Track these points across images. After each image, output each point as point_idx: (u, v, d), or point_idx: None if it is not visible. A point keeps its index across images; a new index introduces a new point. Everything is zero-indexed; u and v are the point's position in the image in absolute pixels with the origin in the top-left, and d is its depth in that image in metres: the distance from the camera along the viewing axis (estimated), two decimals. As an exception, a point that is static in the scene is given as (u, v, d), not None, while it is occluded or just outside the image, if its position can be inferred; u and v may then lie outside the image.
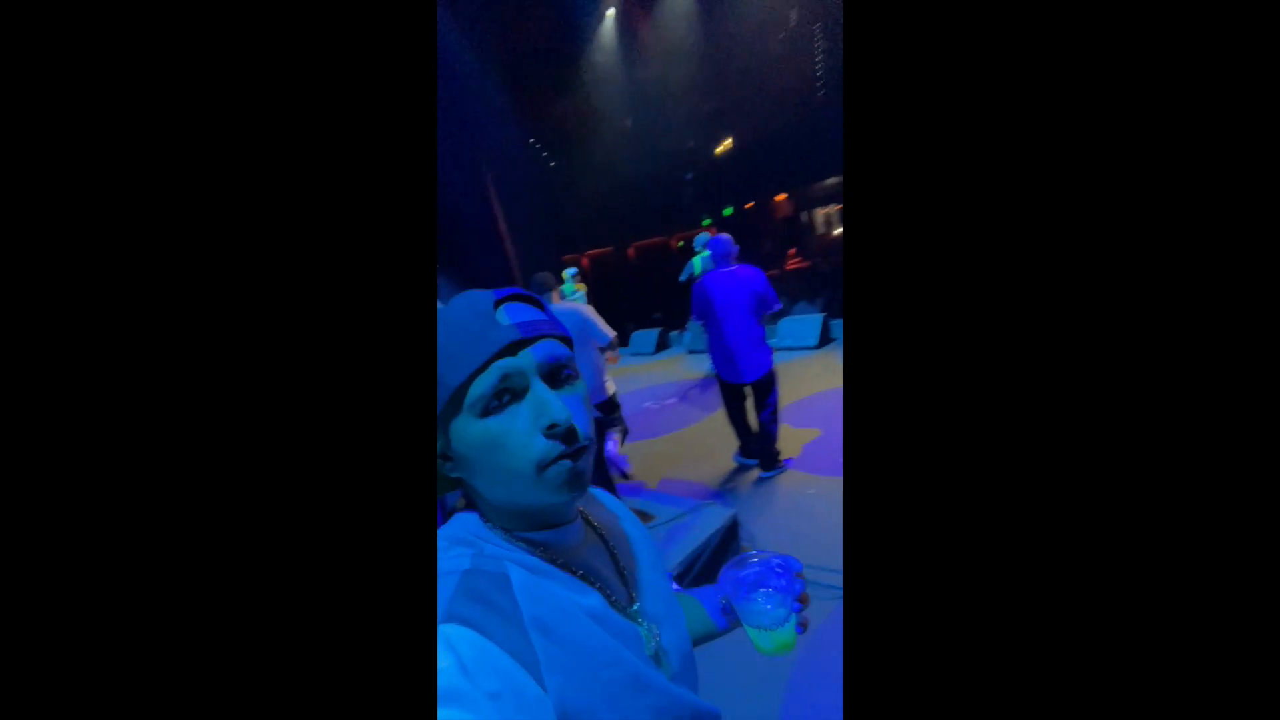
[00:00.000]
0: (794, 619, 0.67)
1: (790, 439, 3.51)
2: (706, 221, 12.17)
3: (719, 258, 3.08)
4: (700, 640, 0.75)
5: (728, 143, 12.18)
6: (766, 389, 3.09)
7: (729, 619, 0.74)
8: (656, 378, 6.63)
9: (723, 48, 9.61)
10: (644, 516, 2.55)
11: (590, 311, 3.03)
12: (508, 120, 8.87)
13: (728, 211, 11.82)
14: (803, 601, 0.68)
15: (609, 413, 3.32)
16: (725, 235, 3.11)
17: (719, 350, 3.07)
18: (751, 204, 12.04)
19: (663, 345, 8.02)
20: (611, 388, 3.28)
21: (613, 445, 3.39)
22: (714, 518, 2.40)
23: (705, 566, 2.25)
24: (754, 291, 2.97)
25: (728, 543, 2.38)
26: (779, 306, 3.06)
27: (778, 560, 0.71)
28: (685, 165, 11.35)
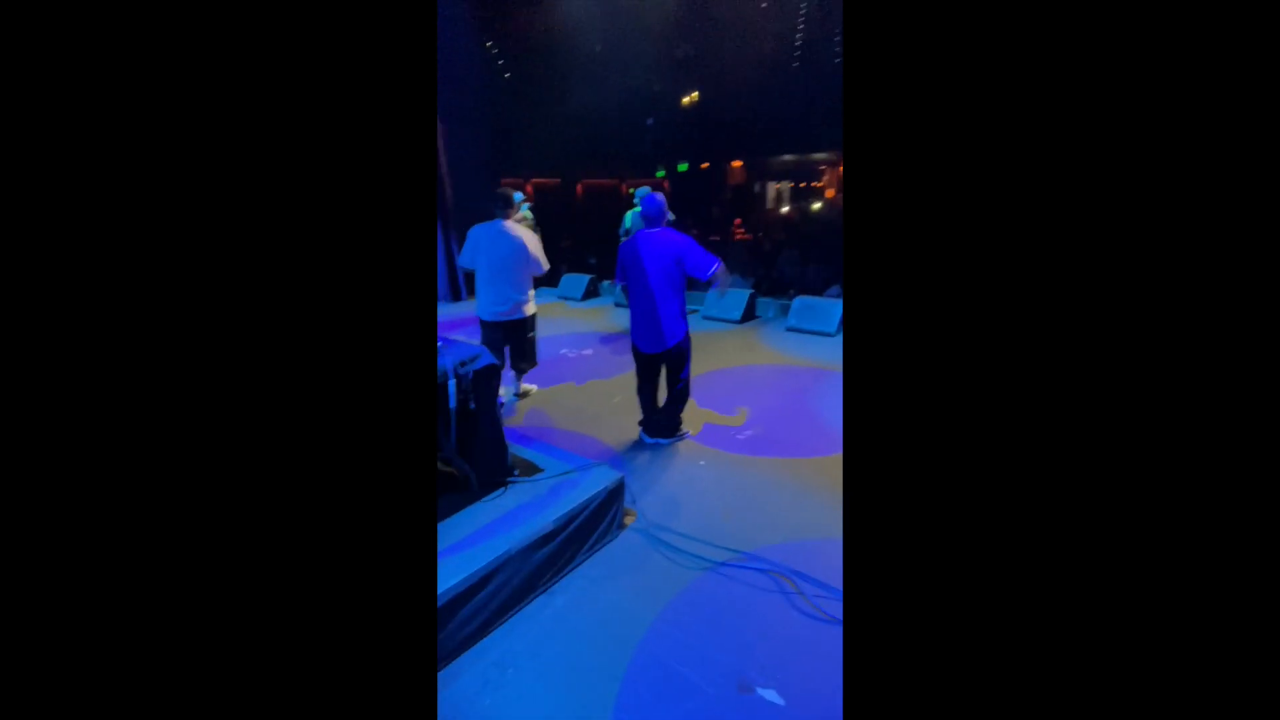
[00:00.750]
0: None
1: (694, 413, 3.59)
2: (660, 173, 11.90)
3: (649, 217, 3.00)
4: None
5: (694, 95, 11.80)
6: (680, 359, 3.11)
7: None
8: (579, 326, 6.54)
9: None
10: (531, 468, 2.53)
11: (534, 242, 3.58)
12: (462, 12, 8.04)
13: (682, 167, 11.60)
14: None
15: (524, 331, 3.74)
16: (659, 195, 3.02)
17: (638, 315, 3.03)
18: (707, 164, 11.86)
19: (592, 293, 7.88)
20: (531, 309, 3.71)
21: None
22: (601, 478, 2.43)
23: (582, 525, 2.29)
24: (678, 257, 2.91)
25: (610, 504, 2.42)
26: (708, 276, 2.90)
27: None
28: (648, 109, 10.92)
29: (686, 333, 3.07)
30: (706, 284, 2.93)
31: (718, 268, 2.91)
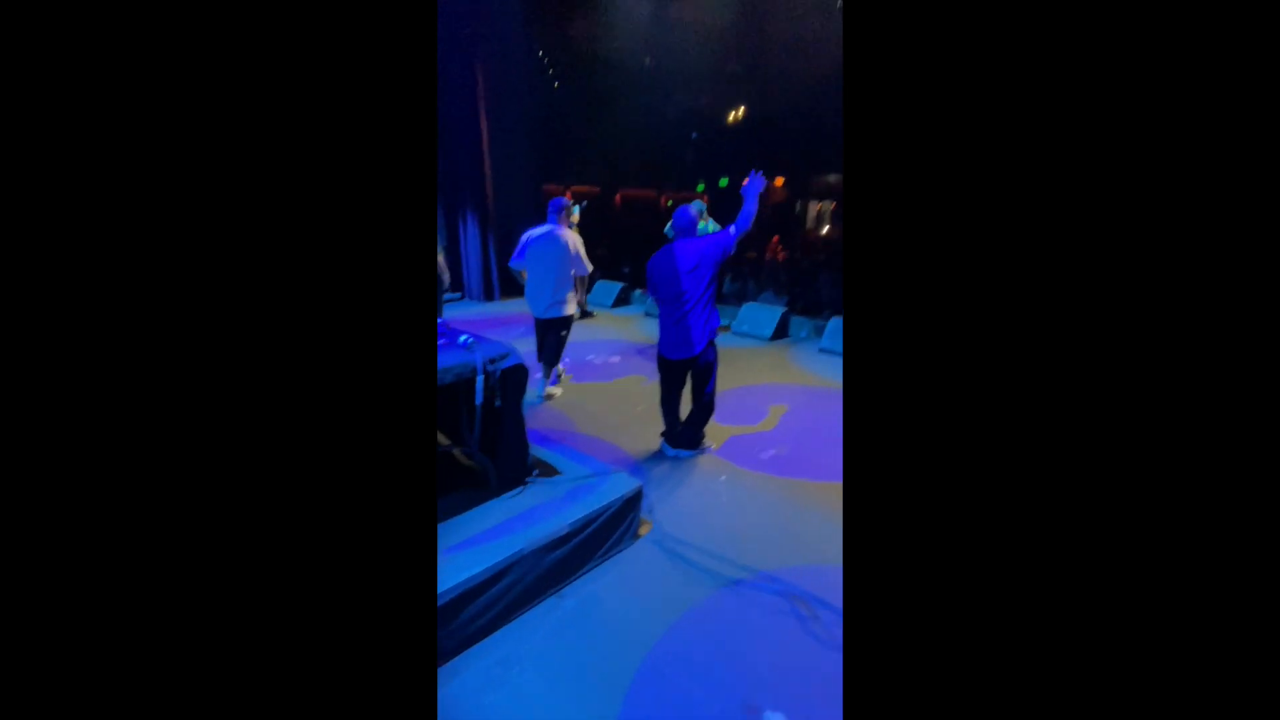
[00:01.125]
0: None
1: (717, 429, 3.54)
2: (700, 187, 11.91)
3: (680, 228, 3.00)
4: None
5: (741, 111, 11.81)
6: (707, 370, 3.08)
7: None
8: (608, 333, 6.56)
9: (762, 12, 9.16)
10: (550, 470, 2.53)
11: (579, 243, 3.94)
12: (517, 23, 8.25)
13: (723, 182, 11.59)
14: None
15: (557, 330, 4.00)
16: (689, 206, 3.02)
17: (667, 322, 3.01)
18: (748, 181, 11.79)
19: (622, 301, 7.91)
20: (570, 309, 3.98)
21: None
22: (619, 485, 2.41)
23: (598, 531, 2.27)
24: (712, 256, 2.89)
25: (626, 512, 2.40)
26: (737, 230, 2.89)
27: None
28: (693, 123, 10.98)
29: (713, 342, 3.04)
30: (743, 234, 2.88)
31: (742, 220, 2.89)
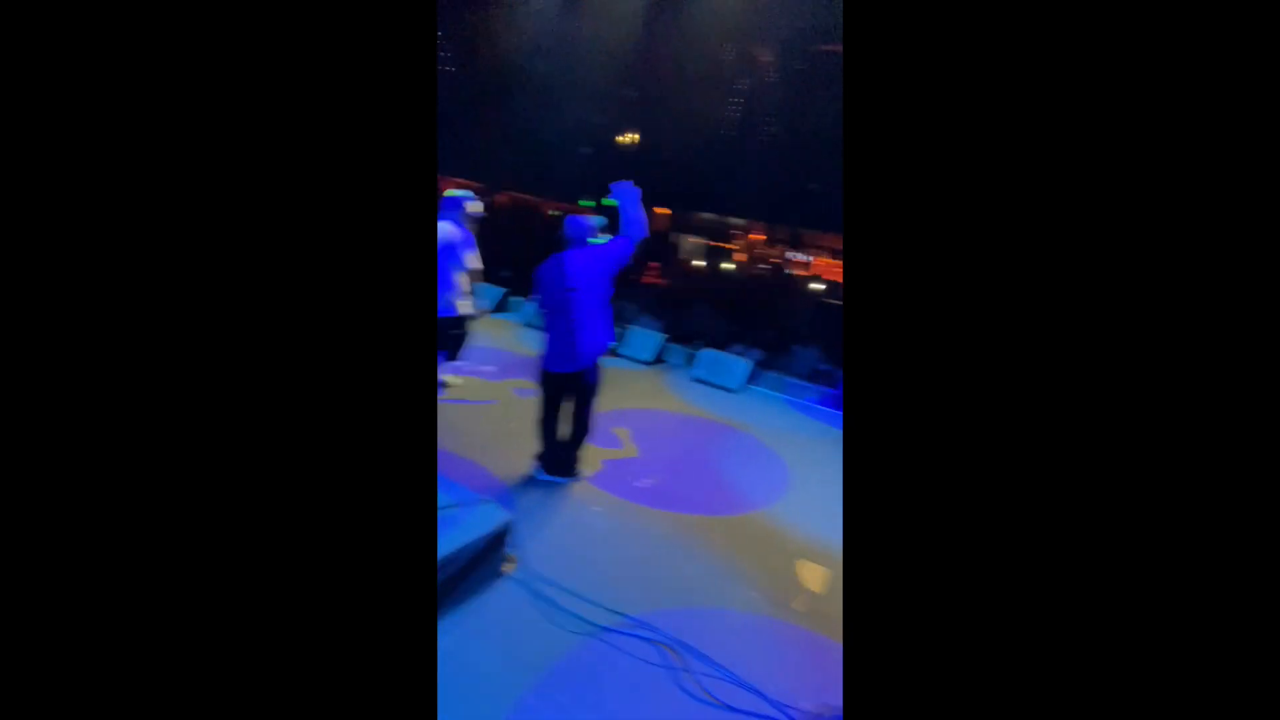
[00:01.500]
0: None
1: (590, 452, 3.38)
2: (586, 202, 11.86)
3: (571, 239, 2.84)
4: None
5: (634, 136, 12.04)
6: (591, 387, 2.91)
7: None
8: (484, 340, 6.13)
9: (666, 41, 9.44)
10: (407, 497, 2.18)
11: (457, 238, 3.63)
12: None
13: (608, 201, 11.65)
14: None
15: (453, 328, 3.82)
16: (587, 219, 2.87)
17: (554, 333, 2.80)
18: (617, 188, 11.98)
19: (502, 308, 7.49)
20: (463, 308, 3.79)
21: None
22: (486, 518, 2.14)
23: (457, 573, 1.98)
24: (612, 264, 2.77)
25: (492, 549, 2.14)
26: (633, 241, 2.80)
27: None
28: (586, 138, 10.93)
29: (600, 362, 2.89)
30: (638, 245, 2.80)
31: (634, 226, 2.80)
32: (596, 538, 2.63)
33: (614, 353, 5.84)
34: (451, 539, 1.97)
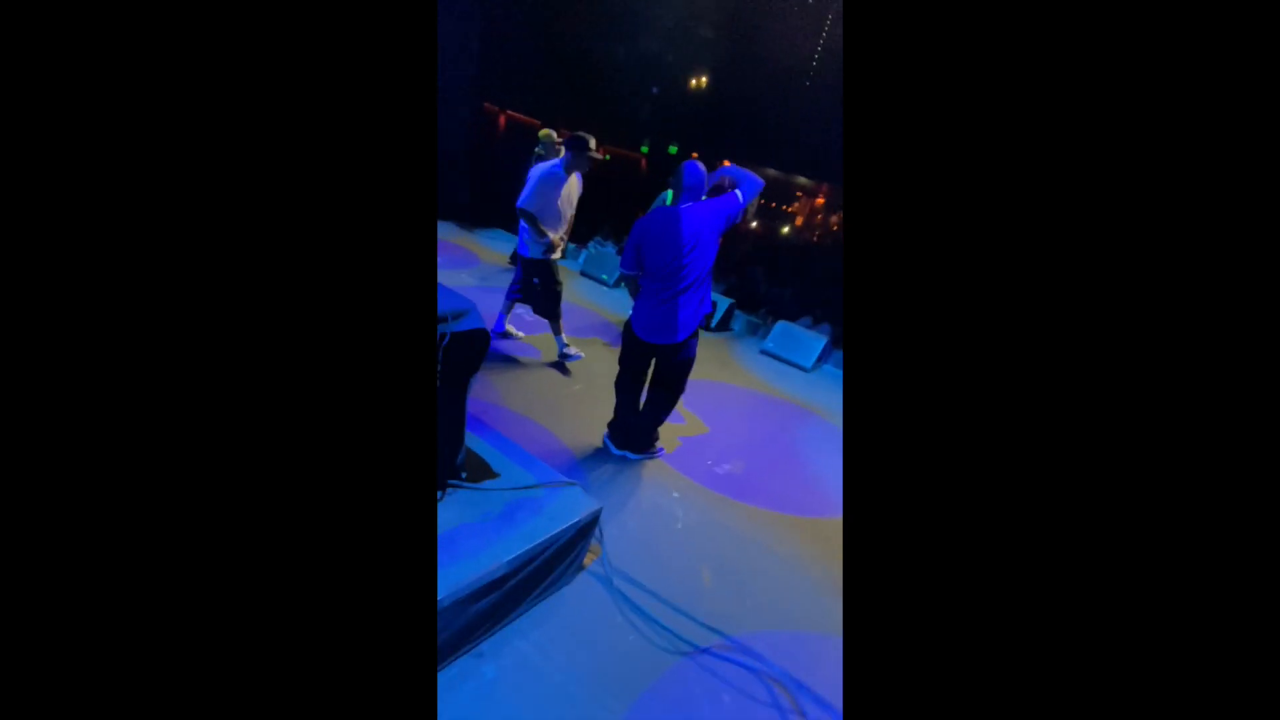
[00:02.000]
0: None
1: (663, 427, 3.06)
2: (644, 149, 11.21)
3: (691, 187, 2.38)
4: None
5: (703, 80, 11.29)
6: (685, 362, 2.55)
7: None
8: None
9: None
10: (482, 469, 1.89)
11: (534, 177, 3.30)
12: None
13: (673, 149, 10.99)
14: None
15: (529, 273, 3.52)
16: (699, 163, 2.42)
17: (652, 298, 2.42)
18: (696, 155, 11.35)
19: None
20: (542, 251, 3.42)
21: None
22: (573, 505, 1.84)
23: (539, 568, 1.69)
24: (722, 223, 2.35)
25: (577, 541, 1.85)
26: (742, 203, 2.40)
27: None
28: (656, 77, 10.21)
29: (699, 330, 2.51)
30: (749, 202, 2.41)
31: (750, 184, 2.40)
32: (680, 530, 2.33)
33: (707, 324, 5.38)
34: (532, 529, 1.67)
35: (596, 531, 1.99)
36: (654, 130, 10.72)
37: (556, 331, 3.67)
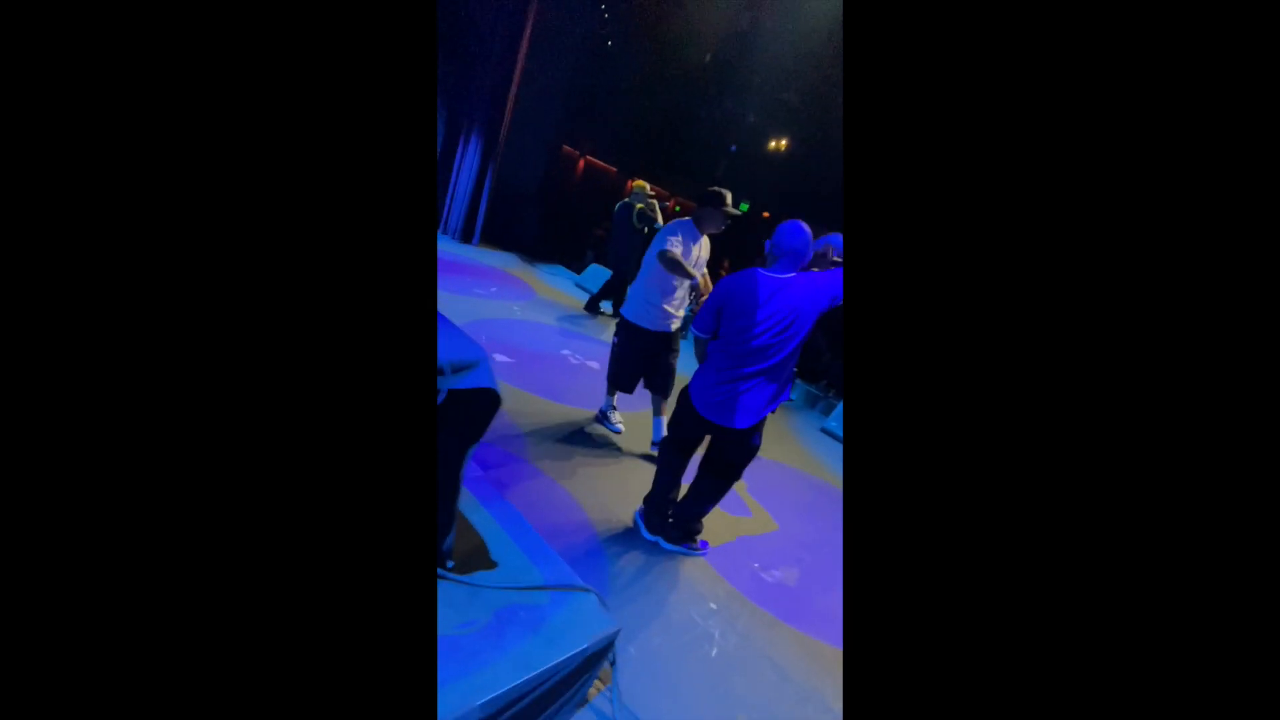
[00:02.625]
0: None
1: (725, 520, 2.61)
2: (717, 204, 11.12)
3: (793, 251, 1.97)
4: None
5: (783, 143, 11.21)
6: (752, 451, 2.13)
7: None
8: (592, 328, 5.54)
9: (830, 57, 8.52)
10: (479, 555, 1.50)
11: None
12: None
13: (744, 207, 10.83)
14: None
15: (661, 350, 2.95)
16: (803, 224, 2.05)
17: (722, 375, 2.02)
18: (767, 215, 11.15)
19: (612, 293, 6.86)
20: (660, 322, 2.87)
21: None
22: (583, 620, 1.43)
23: (528, 709, 1.27)
24: (825, 304, 1.91)
25: (582, 673, 1.42)
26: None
27: None
28: (735, 136, 10.17)
29: (765, 418, 2.09)
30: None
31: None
32: (712, 662, 1.85)
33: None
34: (535, 656, 1.26)
35: (610, 655, 1.56)
36: (727, 184, 10.64)
37: (658, 412, 3.07)
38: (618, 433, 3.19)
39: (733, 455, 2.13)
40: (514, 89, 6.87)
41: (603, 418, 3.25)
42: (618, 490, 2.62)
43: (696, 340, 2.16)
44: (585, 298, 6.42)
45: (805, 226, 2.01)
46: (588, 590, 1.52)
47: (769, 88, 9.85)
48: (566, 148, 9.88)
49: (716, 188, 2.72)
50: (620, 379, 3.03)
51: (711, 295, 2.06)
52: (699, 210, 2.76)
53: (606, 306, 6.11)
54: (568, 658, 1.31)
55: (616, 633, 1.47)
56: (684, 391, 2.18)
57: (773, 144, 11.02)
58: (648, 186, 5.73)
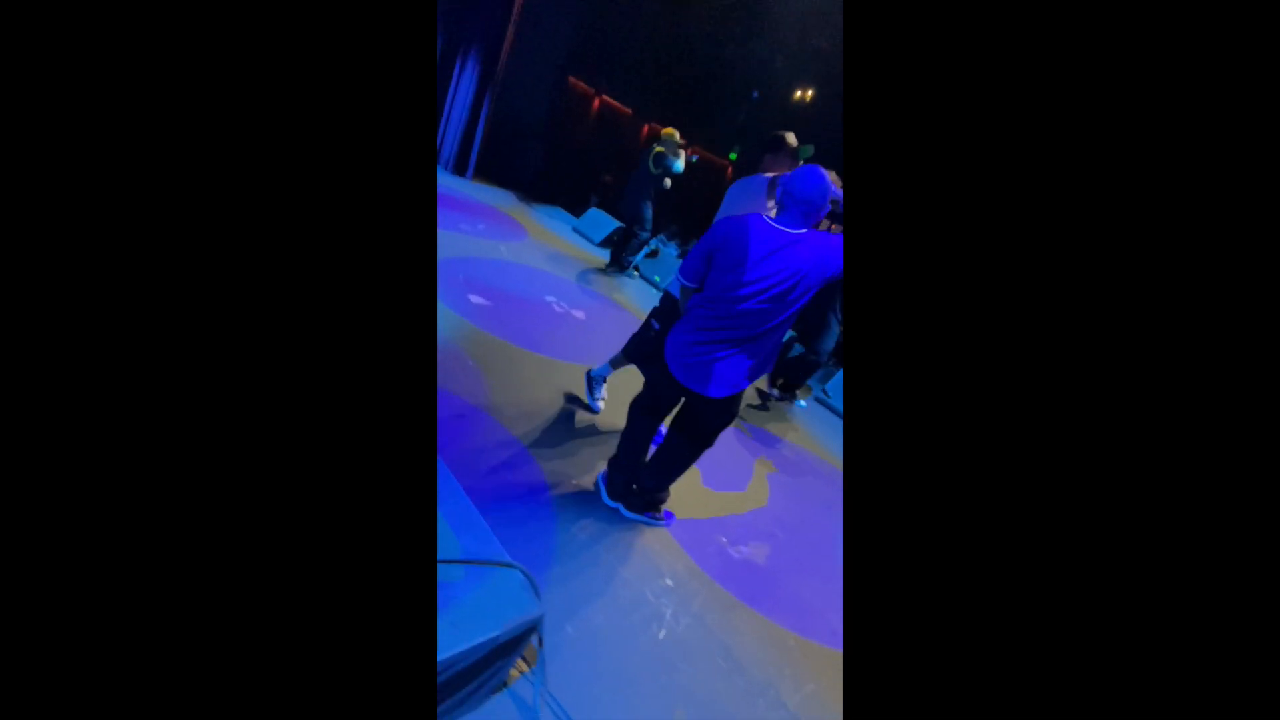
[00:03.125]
0: None
1: (698, 491, 2.43)
2: (733, 155, 10.55)
3: (806, 201, 1.66)
4: None
5: (809, 93, 10.55)
6: (724, 415, 1.92)
7: None
8: (589, 279, 5.27)
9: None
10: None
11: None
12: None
13: (733, 155, 10.19)
14: None
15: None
16: (821, 169, 1.74)
17: (703, 334, 1.78)
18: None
19: (609, 243, 6.55)
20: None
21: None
22: (500, 604, 1.25)
23: (447, 683, 1.11)
24: (836, 269, 1.65)
25: (503, 653, 1.26)
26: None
27: None
28: (760, 82, 9.54)
29: (744, 388, 1.87)
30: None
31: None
32: (659, 646, 1.70)
33: (793, 389, 4.22)
34: (445, 638, 1.09)
35: (535, 636, 1.39)
36: (750, 136, 10.04)
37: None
38: (596, 411, 2.78)
39: (706, 419, 1.93)
40: (515, 12, 6.35)
41: (589, 385, 2.83)
42: (584, 451, 2.44)
43: (682, 289, 1.91)
44: (582, 243, 6.11)
45: (826, 174, 1.71)
46: (513, 566, 1.34)
47: (800, 32, 9.17)
48: (578, 82, 9.31)
49: (779, 132, 2.34)
50: (638, 355, 2.55)
51: (705, 236, 1.79)
52: (764, 162, 2.35)
53: (636, 261, 5.70)
54: (471, 648, 1.14)
55: (539, 619, 1.29)
56: (659, 346, 1.95)
57: (798, 94, 10.38)
58: (677, 135, 5.29)
